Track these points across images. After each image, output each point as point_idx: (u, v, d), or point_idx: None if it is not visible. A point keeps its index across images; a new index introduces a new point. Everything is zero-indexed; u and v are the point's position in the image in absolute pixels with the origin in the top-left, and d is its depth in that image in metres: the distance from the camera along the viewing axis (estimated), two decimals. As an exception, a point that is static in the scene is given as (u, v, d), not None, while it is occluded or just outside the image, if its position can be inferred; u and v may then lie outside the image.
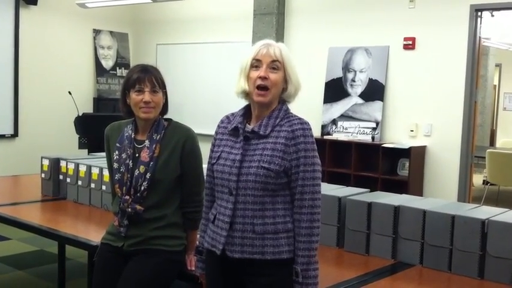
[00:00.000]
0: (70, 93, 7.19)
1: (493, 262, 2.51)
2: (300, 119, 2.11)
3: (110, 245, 2.58)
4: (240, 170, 2.07)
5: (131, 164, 2.54)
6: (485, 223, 2.54)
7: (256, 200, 2.06)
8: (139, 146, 2.57)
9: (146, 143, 2.56)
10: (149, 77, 2.53)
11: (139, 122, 2.61)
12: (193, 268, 2.57)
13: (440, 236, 2.65)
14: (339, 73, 6.42)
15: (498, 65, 12.17)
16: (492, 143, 11.72)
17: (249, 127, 2.13)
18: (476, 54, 5.63)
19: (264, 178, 2.03)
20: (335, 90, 6.43)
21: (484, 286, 2.50)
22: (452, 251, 2.62)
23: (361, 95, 6.19)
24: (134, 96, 2.52)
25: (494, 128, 12.45)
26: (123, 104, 2.60)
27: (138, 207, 2.52)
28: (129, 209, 2.52)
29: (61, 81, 7.78)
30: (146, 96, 2.51)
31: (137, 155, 2.55)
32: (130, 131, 2.61)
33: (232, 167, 2.09)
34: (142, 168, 2.52)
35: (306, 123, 2.10)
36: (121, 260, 2.54)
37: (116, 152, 2.59)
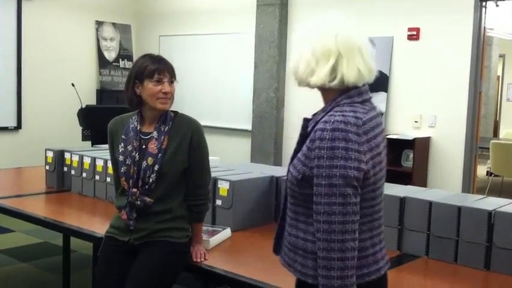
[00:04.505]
0: (73, 85, 7.17)
1: (500, 253, 2.50)
2: (332, 115, 1.68)
3: (115, 238, 2.57)
4: (289, 168, 1.83)
5: (137, 156, 2.51)
6: (492, 214, 2.53)
7: (291, 208, 1.82)
8: (146, 138, 2.54)
9: (154, 134, 2.53)
10: (168, 67, 2.53)
11: (148, 113, 2.57)
12: (199, 260, 2.57)
13: (446, 227, 2.64)
14: (342, 64, 6.37)
15: (502, 56, 12.11)
16: (496, 134, 11.68)
17: (309, 123, 1.81)
18: (481, 44, 5.59)
19: (290, 184, 1.78)
20: (338, 82, 6.39)
21: (490, 277, 2.50)
22: (458, 242, 2.61)
23: (365, 86, 6.12)
24: (151, 86, 2.48)
25: (497, 119, 12.41)
26: (133, 95, 2.54)
27: (148, 199, 2.50)
28: (138, 202, 2.49)
29: (64, 73, 7.76)
30: (166, 87, 2.49)
31: (143, 146, 2.53)
32: (135, 123, 2.57)
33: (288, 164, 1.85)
34: (150, 160, 2.49)
35: (333, 121, 1.65)
36: (126, 253, 2.53)
37: (122, 144, 2.56)
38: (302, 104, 6.77)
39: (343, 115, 1.67)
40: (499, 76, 12.39)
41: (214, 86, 7.67)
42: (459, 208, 2.61)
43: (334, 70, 1.73)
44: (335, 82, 1.73)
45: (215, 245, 2.80)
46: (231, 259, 2.74)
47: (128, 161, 2.52)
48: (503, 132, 11.08)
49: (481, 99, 5.75)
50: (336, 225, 1.61)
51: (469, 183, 5.60)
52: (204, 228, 2.93)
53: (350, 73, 1.73)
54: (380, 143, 1.73)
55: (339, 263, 1.61)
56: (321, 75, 1.73)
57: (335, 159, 1.62)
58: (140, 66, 2.53)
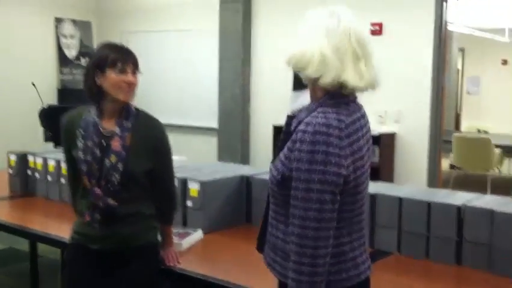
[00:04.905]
0: (33, 84, 7.01)
1: (470, 248, 2.54)
2: (315, 116, 1.63)
3: (84, 245, 2.45)
4: (271, 166, 1.78)
5: (98, 153, 2.36)
6: (461, 209, 2.56)
7: (273, 208, 1.79)
8: (107, 134, 2.38)
9: (117, 130, 2.38)
10: (132, 57, 2.39)
11: (108, 105, 2.39)
12: (172, 264, 2.53)
13: (416, 223, 2.66)
14: (307, 60, 6.38)
15: (461, 50, 12.33)
16: (457, 127, 11.90)
17: (293, 121, 1.75)
18: (443, 39, 5.67)
19: (270, 183, 1.75)
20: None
21: (462, 272, 2.53)
22: (429, 238, 2.64)
23: (330, 82, 6.13)
24: (113, 76, 2.32)
25: (458, 112, 12.65)
26: (93, 85, 2.36)
27: (111, 201, 2.37)
28: (101, 204, 2.37)
29: (23, 72, 7.57)
30: (130, 77, 2.35)
31: (104, 143, 2.37)
32: (94, 117, 2.40)
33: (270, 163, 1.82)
34: (113, 158, 2.35)
35: (315, 124, 1.60)
36: (98, 259, 2.43)
37: (81, 140, 2.37)
38: (268, 99, 6.77)
39: (325, 117, 1.61)
40: (458, 69, 12.61)
41: (178, 83, 7.60)
42: (429, 204, 2.64)
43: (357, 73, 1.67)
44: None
45: (187, 247, 2.77)
46: (205, 261, 2.71)
47: (88, 158, 2.35)
48: (464, 125, 11.29)
49: (444, 93, 5.84)
50: (309, 231, 1.59)
51: (434, 177, 5.68)
52: (175, 230, 2.89)
53: (362, 76, 1.68)
54: (362, 146, 1.69)
55: (310, 268, 1.60)
56: (349, 76, 1.65)
57: (314, 163, 1.58)
58: (101, 55, 2.37)
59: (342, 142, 1.61)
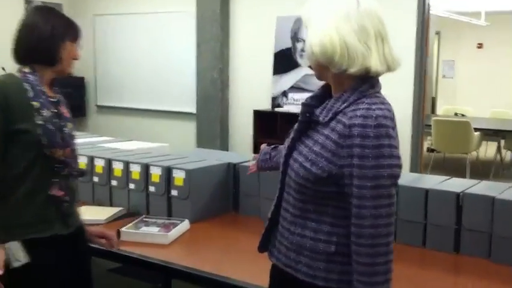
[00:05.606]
0: (3, 69, 6.76)
1: (469, 236, 2.46)
2: (369, 108, 1.51)
3: (58, 235, 2.13)
4: (287, 159, 1.67)
5: (58, 121, 2.16)
6: (460, 196, 2.48)
7: (296, 204, 1.64)
8: (54, 101, 2.20)
9: (60, 98, 2.25)
10: None
11: (51, 74, 2.20)
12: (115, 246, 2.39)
13: (413, 210, 2.57)
14: (288, 43, 6.28)
15: (437, 33, 12.33)
16: (433, 110, 11.92)
17: (317, 110, 1.63)
18: (425, 23, 5.61)
19: (303, 180, 1.58)
20: (284, 61, 6.29)
21: (460, 261, 2.45)
22: (427, 226, 2.55)
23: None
24: (73, 49, 2.22)
25: (434, 96, 12.67)
26: (57, 50, 2.17)
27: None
28: (75, 172, 2.21)
29: (-8, 56, 7.30)
30: (79, 52, 2.27)
31: (56, 111, 2.19)
32: (40, 85, 2.16)
33: (285, 155, 1.71)
34: (70, 126, 2.23)
35: (375, 117, 1.50)
36: (61, 247, 2.16)
37: (45, 110, 2.12)
38: (248, 84, 6.64)
39: (380, 108, 1.52)
40: (433, 53, 12.61)
41: (155, 67, 7.39)
42: (426, 191, 2.55)
43: (383, 57, 1.59)
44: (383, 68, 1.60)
45: (173, 239, 2.64)
46: (193, 253, 2.58)
47: (52, 127, 2.12)
48: (441, 109, 11.31)
49: (427, 78, 5.79)
50: (382, 229, 1.51)
51: (417, 161, 5.65)
52: (160, 221, 2.77)
53: (385, 59, 1.60)
54: None
55: (384, 267, 1.53)
56: (375, 62, 1.56)
57: (381, 158, 1.49)
58: (67, 22, 2.24)
59: (394, 133, 1.56)
